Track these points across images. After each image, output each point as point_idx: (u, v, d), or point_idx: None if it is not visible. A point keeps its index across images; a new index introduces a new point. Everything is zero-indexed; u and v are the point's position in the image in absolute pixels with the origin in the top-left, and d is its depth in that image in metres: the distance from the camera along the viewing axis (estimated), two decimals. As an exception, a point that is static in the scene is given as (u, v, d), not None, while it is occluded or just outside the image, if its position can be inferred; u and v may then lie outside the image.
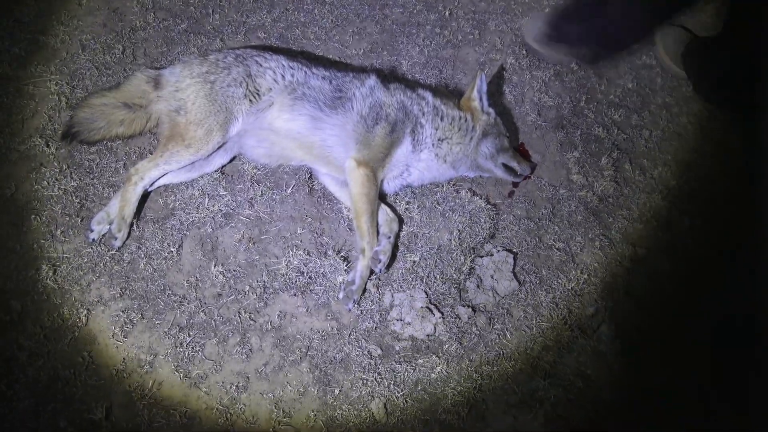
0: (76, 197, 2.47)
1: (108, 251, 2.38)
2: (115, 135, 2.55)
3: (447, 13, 3.14)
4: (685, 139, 2.92)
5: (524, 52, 3.05)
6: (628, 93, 3.03)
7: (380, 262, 2.40)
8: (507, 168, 2.62)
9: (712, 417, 2.27)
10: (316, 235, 2.51)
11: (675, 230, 2.68)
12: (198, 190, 2.54)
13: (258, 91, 2.46)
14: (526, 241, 2.59)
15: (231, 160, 2.61)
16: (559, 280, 2.52)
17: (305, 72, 2.52)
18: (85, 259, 2.36)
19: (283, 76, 2.49)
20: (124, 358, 2.22)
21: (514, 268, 2.49)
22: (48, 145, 2.56)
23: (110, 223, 2.39)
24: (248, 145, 2.54)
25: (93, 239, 2.38)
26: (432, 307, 2.38)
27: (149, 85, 2.50)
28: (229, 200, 2.54)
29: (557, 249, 2.59)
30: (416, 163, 2.56)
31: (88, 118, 2.48)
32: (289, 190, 2.59)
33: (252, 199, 2.55)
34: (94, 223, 2.39)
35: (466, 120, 2.58)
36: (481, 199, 2.64)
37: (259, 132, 2.50)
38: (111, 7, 2.94)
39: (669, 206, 2.73)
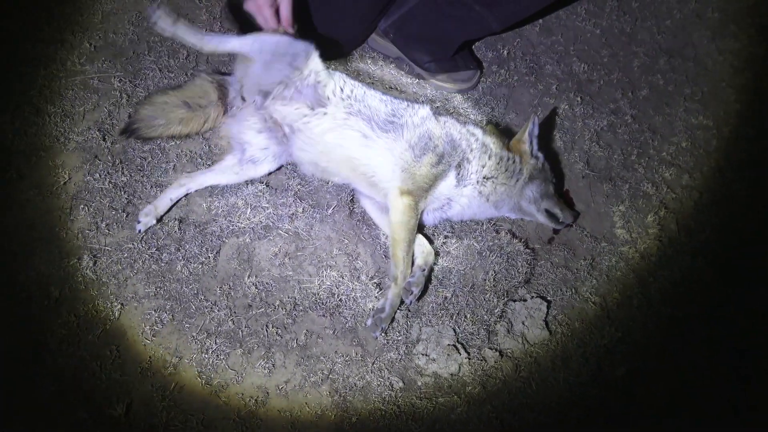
0: (125, 192, 2.53)
1: (148, 249, 2.43)
2: (172, 134, 2.61)
3: (505, 53, 3.15)
4: (737, 205, 2.84)
5: (579, 98, 3.03)
6: (681, 152, 2.97)
7: (412, 293, 2.38)
8: (549, 214, 2.59)
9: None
10: (351, 258, 2.52)
11: (716, 297, 2.60)
12: (242, 199, 2.58)
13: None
14: (561, 290, 2.54)
15: (278, 168, 2.64)
16: (592, 335, 2.46)
17: (364, 90, 2.54)
18: (125, 254, 2.41)
19: (342, 89, 2.52)
20: (150, 357, 2.24)
21: (546, 317, 2.45)
22: (104, 139, 2.63)
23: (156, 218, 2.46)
24: (296, 151, 2.55)
25: (140, 230, 2.44)
26: (459, 345, 2.35)
27: (212, 86, 2.58)
28: (270, 213, 2.56)
29: (593, 303, 2.53)
30: (458, 198, 2.54)
31: (150, 115, 2.56)
32: (329, 211, 2.60)
33: (293, 214, 2.57)
34: (141, 215, 2.45)
35: (514, 161, 2.56)
36: (520, 242, 2.61)
37: (308, 140, 2.51)
38: (181, 13, 3.03)
39: (712, 272, 2.65)
